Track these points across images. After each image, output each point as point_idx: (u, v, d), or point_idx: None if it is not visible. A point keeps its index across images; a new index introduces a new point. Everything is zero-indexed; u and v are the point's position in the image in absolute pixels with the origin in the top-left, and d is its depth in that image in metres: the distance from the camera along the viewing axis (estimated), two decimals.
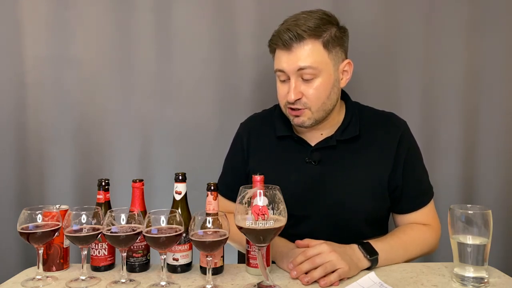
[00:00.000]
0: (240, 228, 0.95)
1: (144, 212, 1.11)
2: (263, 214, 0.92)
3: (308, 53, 1.12)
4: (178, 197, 1.12)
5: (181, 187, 1.12)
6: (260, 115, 1.40)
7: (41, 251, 1.05)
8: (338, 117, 1.26)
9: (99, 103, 1.74)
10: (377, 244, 1.11)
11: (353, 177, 1.20)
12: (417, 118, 1.75)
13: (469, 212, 1.00)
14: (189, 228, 0.99)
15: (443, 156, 1.75)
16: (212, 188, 1.07)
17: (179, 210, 1.09)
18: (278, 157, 1.26)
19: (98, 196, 1.14)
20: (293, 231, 1.14)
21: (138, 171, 1.73)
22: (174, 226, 1.00)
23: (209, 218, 0.99)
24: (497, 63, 1.73)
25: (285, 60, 1.14)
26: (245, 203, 0.94)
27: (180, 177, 1.12)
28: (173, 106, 1.75)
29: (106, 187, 1.14)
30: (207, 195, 1.07)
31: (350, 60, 1.22)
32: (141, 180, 1.14)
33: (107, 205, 1.14)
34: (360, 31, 1.73)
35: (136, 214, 1.03)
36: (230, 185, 1.26)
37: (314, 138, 1.25)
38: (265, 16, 1.72)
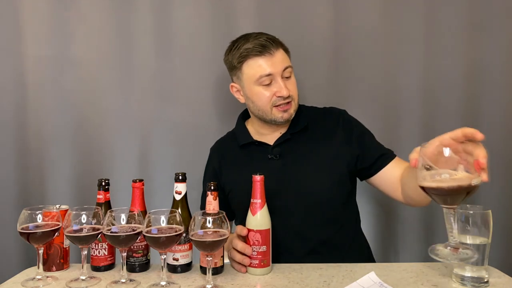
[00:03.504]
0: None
1: (144, 212, 1.11)
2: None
3: (284, 55, 1.33)
4: (178, 197, 1.12)
5: (181, 187, 1.12)
6: (224, 137, 1.54)
7: (41, 251, 1.05)
8: None
9: (99, 103, 1.74)
10: None
11: (310, 162, 1.33)
12: (417, 118, 1.75)
13: (469, 212, 1.00)
14: (189, 228, 0.99)
15: None
16: (212, 188, 1.07)
17: (179, 210, 1.09)
18: (243, 162, 1.38)
19: (98, 196, 1.14)
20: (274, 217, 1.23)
21: (138, 171, 1.73)
22: (174, 226, 1.00)
23: (209, 218, 0.99)
24: (497, 63, 1.73)
25: (270, 64, 1.29)
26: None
27: (180, 177, 1.12)
28: (173, 106, 1.75)
29: (106, 187, 1.14)
30: (207, 195, 1.07)
31: None
32: (141, 180, 1.14)
33: (107, 205, 1.14)
34: (360, 31, 1.74)
35: (136, 214, 1.03)
36: None
37: (272, 138, 1.39)
38: (265, 16, 1.72)
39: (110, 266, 1.15)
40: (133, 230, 1.01)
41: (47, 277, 1.08)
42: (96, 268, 1.14)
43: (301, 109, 1.42)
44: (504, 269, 1.11)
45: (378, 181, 1.35)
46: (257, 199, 1.11)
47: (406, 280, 1.05)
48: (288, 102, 1.32)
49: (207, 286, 1.00)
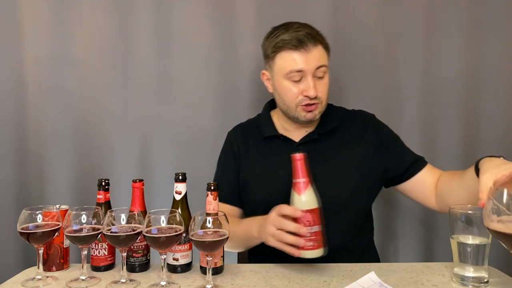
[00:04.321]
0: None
1: (144, 212, 1.11)
2: None
3: (321, 53, 1.27)
4: (178, 197, 1.12)
5: (181, 187, 1.12)
6: (244, 123, 1.49)
7: (41, 251, 1.05)
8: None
9: (99, 103, 1.74)
10: None
11: (336, 165, 1.30)
12: (417, 118, 1.75)
13: (469, 212, 1.00)
14: (189, 228, 0.99)
15: (443, 156, 1.74)
16: (212, 188, 1.07)
17: (179, 210, 1.09)
18: (266, 155, 1.34)
19: (98, 196, 1.14)
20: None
21: (138, 171, 1.73)
22: (174, 226, 1.00)
23: (209, 218, 0.99)
24: (497, 63, 1.73)
25: (303, 60, 1.24)
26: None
27: (180, 177, 1.12)
28: (173, 106, 1.75)
29: (106, 187, 1.14)
30: (207, 195, 1.07)
31: None
32: (141, 180, 1.14)
33: (107, 205, 1.14)
34: (360, 31, 1.74)
35: (136, 214, 1.03)
36: (227, 189, 1.32)
37: (299, 135, 1.35)
38: (265, 16, 1.71)
39: (110, 266, 1.15)
40: (133, 230, 1.01)
41: (47, 277, 1.08)
42: (96, 268, 1.13)
43: (330, 109, 1.37)
44: (504, 269, 1.11)
45: (410, 188, 1.32)
46: (301, 178, 1.06)
47: (406, 280, 1.05)
48: (314, 103, 1.28)
49: (207, 286, 1.00)
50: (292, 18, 1.70)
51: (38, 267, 1.06)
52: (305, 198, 1.05)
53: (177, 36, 1.73)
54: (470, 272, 1.01)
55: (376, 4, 1.73)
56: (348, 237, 1.29)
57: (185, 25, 1.73)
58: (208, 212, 1.06)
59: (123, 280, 1.04)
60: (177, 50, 1.74)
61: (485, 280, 1.01)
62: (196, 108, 1.75)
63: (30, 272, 1.14)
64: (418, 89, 1.75)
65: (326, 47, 1.31)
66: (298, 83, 1.27)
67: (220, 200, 1.25)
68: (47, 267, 1.13)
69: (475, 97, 1.74)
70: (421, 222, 1.76)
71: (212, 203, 1.07)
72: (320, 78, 1.28)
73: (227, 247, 1.26)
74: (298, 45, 1.24)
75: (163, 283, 1.02)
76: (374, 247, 1.43)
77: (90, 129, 1.74)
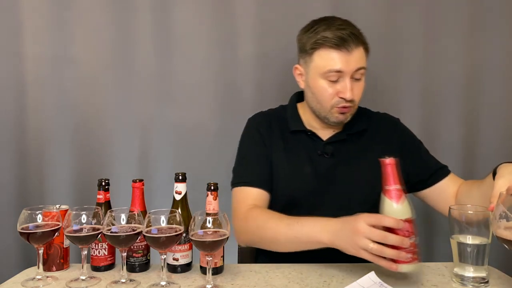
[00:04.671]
0: None
1: (144, 212, 1.11)
2: None
3: (362, 55, 1.23)
4: (178, 197, 1.12)
5: (181, 187, 1.12)
6: (266, 112, 1.42)
7: (41, 251, 1.05)
8: None
9: (99, 103, 1.74)
10: None
11: (362, 168, 1.27)
12: (417, 118, 1.75)
13: (469, 212, 1.00)
14: (189, 228, 0.99)
15: (443, 156, 1.72)
16: (212, 188, 1.07)
17: (179, 210, 1.09)
18: (291, 149, 1.30)
19: (98, 196, 1.14)
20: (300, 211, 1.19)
21: (138, 171, 1.73)
22: (174, 226, 1.00)
23: (209, 218, 0.99)
24: (497, 63, 1.74)
25: (344, 61, 1.20)
26: None
27: (180, 177, 1.12)
28: (173, 106, 1.75)
29: (106, 187, 1.14)
30: (207, 195, 1.07)
31: None
32: (141, 180, 1.14)
33: (107, 205, 1.14)
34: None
35: (136, 214, 1.03)
36: (261, 173, 1.27)
37: (326, 133, 1.33)
38: (265, 16, 1.72)
39: (110, 266, 1.15)
40: (133, 230, 1.01)
41: (47, 277, 1.08)
42: (96, 268, 1.13)
43: (358, 110, 1.34)
44: (504, 269, 1.11)
45: (431, 195, 1.30)
46: (396, 185, 0.98)
47: (406, 280, 1.05)
48: (348, 106, 1.25)
49: (207, 286, 1.00)
50: (291, 18, 1.72)
51: (38, 267, 1.06)
52: (402, 206, 0.96)
53: (177, 36, 1.73)
54: (470, 272, 1.01)
55: (376, 4, 1.73)
56: None
57: (185, 25, 1.73)
58: (208, 212, 1.06)
59: (123, 280, 1.04)
60: (177, 50, 1.74)
61: (485, 280, 1.01)
62: (196, 108, 1.75)
63: (30, 272, 1.14)
64: (418, 89, 1.75)
65: (367, 48, 1.27)
66: (335, 83, 1.23)
67: (252, 185, 1.24)
68: (47, 267, 1.13)
69: (475, 97, 1.75)
70: (421, 222, 1.76)
71: (212, 203, 1.07)
72: (357, 80, 1.24)
73: (269, 247, 1.18)
74: (340, 44, 1.19)
75: (163, 283, 1.02)
76: None
77: (90, 129, 1.74)
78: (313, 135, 1.33)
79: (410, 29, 1.73)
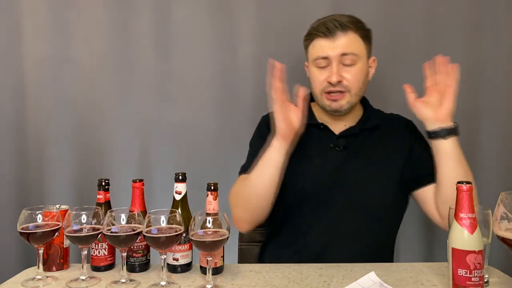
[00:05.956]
0: None
1: (144, 212, 1.11)
2: None
3: (350, 41, 1.25)
4: (178, 197, 1.12)
5: (181, 187, 1.12)
6: None
7: (41, 251, 1.05)
8: (359, 112, 1.38)
9: (99, 103, 1.74)
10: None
11: (374, 163, 1.28)
12: (417, 119, 1.74)
13: None
14: (189, 228, 0.99)
15: None
16: (212, 188, 1.07)
17: (179, 210, 1.09)
18: (303, 141, 1.29)
19: (98, 196, 1.14)
20: (313, 213, 1.25)
21: (138, 171, 1.73)
22: (174, 226, 1.00)
23: (209, 218, 0.99)
24: (497, 63, 1.73)
25: (329, 47, 1.25)
26: None
27: (180, 177, 1.12)
28: (173, 106, 1.75)
29: (106, 187, 1.14)
30: (207, 195, 1.07)
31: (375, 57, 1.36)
32: (141, 180, 1.14)
33: (107, 205, 1.14)
34: None
35: (136, 214, 1.03)
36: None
37: (338, 128, 1.34)
38: (265, 16, 1.72)
39: (110, 266, 1.15)
40: (133, 230, 1.01)
41: (47, 277, 1.08)
42: (96, 268, 1.13)
43: (371, 108, 1.39)
44: (504, 269, 1.11)
45: (421, 198, 1.30)
46: (472, 213, 0.91)
47: (406, 280, 1.05)
48: (340, 92, 1.26)
49: (207, 286, 1.00)
50: (291, 18, 1.72)
51: (38, 267, 1.06)
52: (474, 237, 0.91)
53: (177, 36, 1.73)
54: None
55: (376, 4, 1.73)
56: (376, 236, 1.28)
57: (185, 25, 1.73)
58: (208, 212, 1.06)
59: (123, 280, 1.04)
60: (177, 50, 1.74)
61: (485, 280, 1.01)
62: (196, 108, 1.75)
63: (30, 272, 1.14)
64: (418, 89, 1.75)
65: (364, 35, 1.29)
66: (324, 69, 1.26)
67: (247, 173, 1.28)
68: (47, 267, 1.13)
69: (475, 97, 1.74)
70: (421, 222, 1.76)
71: (212, 203, 1.07)
72: (349, 65, 1.25)
73: (257, 201, 1.23)
74: (326, 32, 1.24)
75: (163, 283, 1.02)
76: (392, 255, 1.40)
77: (90, 129, 1.74)
78: (325, 129, 1.34)
79: (410, 29, 1.73)
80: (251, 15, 1.73)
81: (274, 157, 1.20)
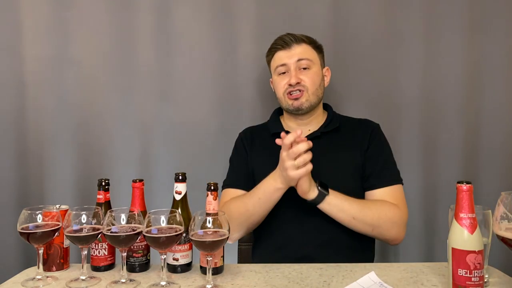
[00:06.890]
0: None
1: (144, 212, 1.11)
2: None
3: (304, 50, 1.44)
4: (178, 197, 1.12)
5: (181, 187, 1.12)
6: (253, 126, 1.58)
7: (41, 251, 1.05)
8: (322, 118, 1.50)
9: (99, 103, 1.74)
10: (334, 191, 1.27)
11: (335, 161, 1.39)
12: (417, 119, 1.75)
13: None
14: (189, 228, 0.99)
15: (443, 156, 1.75)
16: (212, 188, 1.07)
17: (179, 210, 1.09)
18: (272, 149, 1.35)
19: (98, 196, 1.14)
20: (286, 211, 1.33)
21: (138, 171, 1.73)
22: (174, 226, 1.00)
23: (209, 218, 0.99)
24: (497, 63, 1.73)
25: (287, 56, 1.42)
26: None
27: (180, 177, 1.12)
28: (173, 106, 1.75)
29: (106, 187, 1.14)
30: (207, 195, 1.07)
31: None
32: (141, 180, 1.14)
33: (107, 205, 1.14)
34: (359, 32, 1.74)
35: (136, 214, 1.03)
36: (236, 178, 1.45)
37: (303, 133, 1.36)
38: (265, 16, 1.72)
39: (110, 266, 1.15)
40: (133, 230, 1.01)
41: (47, 277, 1.08)
42: (96, 268, 1.14)
43: (333, 113, 1.49)
44: (504, 269, 1.11)
45: (367, 197, 1.37)
46: (472, 213, 0.92)
47: (406, 280, 1.05)
48: (300, 90, 1.40)
49: (207, 286, 1.00)
50: (291, 18, 1.72)
51: (38, 267, 1.06)
52: (474, 237, 0.91)
53: (177, 37, 1.73)
54: None
55: (376, 5, 1.73)
56: (342, 229, 1.30)
57: (185, 25, 1.73)
58: (208, 212, 1.06)
59: (123, 280, 1.04)
60: (177, 51, 1.74)
61: (485, 280, 1.01)
62: (196, 108, 1.75)
63: (30, 272, 1.14)
64: (418, 89, 1.75)
65: (316, 47, 1.46)
66: (285, 75, 1.43)
67: (230, 186, 1.41)
68: (47, 267, 1.13)
69: (475, 97, 1.74)
70: (421, 222, 1.76)
71: (212, 203, 1.07)
72: (305, 69, 1.41)
73: (244, 223, 1.31)
74: (284, 44, 1.43)
75: (163, 283, 1.02)
76: (373, 247, 1.43)
77: (90, 129, 1.74)
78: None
79: (410, 29, 1.73)
80: (251, 15, 1.73)
81: (276, 197, 1.28)
